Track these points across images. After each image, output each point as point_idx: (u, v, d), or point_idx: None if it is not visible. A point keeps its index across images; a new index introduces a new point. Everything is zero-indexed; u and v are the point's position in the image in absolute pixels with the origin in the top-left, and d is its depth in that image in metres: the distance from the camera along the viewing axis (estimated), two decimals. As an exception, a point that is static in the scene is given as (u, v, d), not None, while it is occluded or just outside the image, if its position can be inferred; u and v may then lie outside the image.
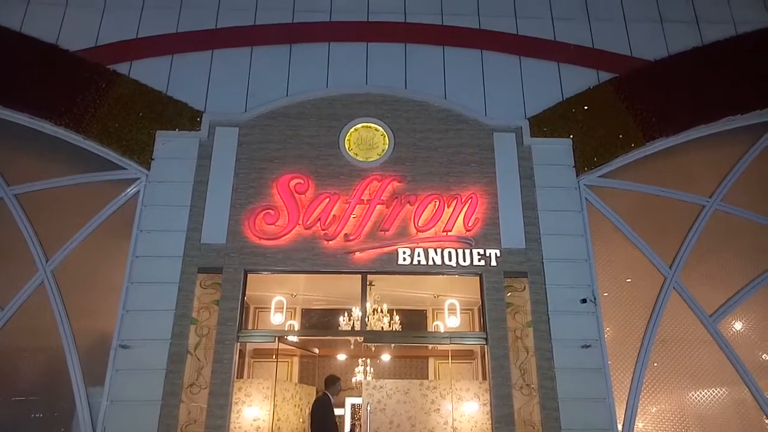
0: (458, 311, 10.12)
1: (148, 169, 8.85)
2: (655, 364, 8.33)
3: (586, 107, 9.43)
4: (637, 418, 8.00)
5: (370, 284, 9.13)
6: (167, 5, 10.15)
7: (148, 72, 9.50)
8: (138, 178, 8.89)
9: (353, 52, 9.87)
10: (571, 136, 9.25)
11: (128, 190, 8.87)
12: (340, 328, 10.50)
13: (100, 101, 9.11)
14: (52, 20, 9.82)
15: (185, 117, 9.14)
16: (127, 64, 9.57)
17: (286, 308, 10.41)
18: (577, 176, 9.04)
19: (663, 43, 10.14)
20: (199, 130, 9.07)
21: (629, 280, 8.88)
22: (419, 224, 8.60)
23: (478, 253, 8.50)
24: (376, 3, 10.26)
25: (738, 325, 8.74)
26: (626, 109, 9.37)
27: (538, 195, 8.86)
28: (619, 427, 7.85)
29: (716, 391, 8.29)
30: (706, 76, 9.67)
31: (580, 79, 9.77)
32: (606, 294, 8.57)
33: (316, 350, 11.74)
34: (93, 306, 8.42)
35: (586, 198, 8.99)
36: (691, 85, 9.58)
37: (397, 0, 10.31)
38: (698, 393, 8.29)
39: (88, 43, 9.69)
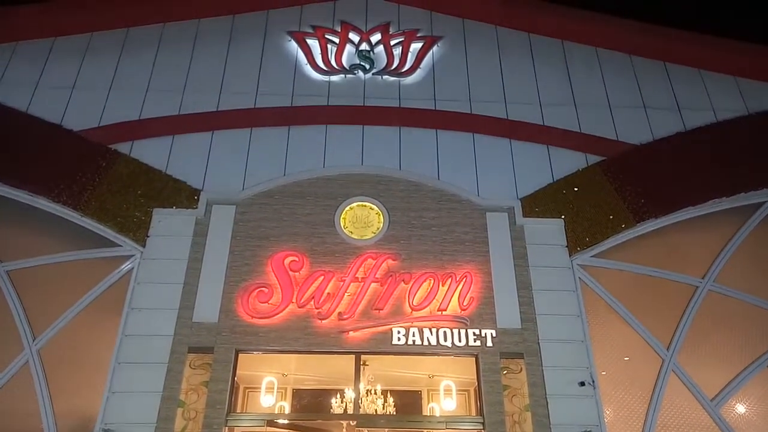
0: (454, 393, 9.82)
1: (143, 246, 8.87)
2: (659, 449, 8.07)
3: (576, 188, 9.67)
4: None
5: (364, 364, 8.93)
6: (170, 88, 10.55)
7: (148, 151, 9.72)
8: (132, 255, 8.88)
9: (349, 134, 10.20)
10: (563, 217, 9.42)
11: (122, 267, 8.84)
12: (332, 410, 10.13)
13: (99, 179, 9.27)
14: (58, 102, 10.14)
15: (183, 195, 9.28)
16: (129, 144, 9.81)
17: (277, 388, 10.08)
18: (570, 256, 9.12)
19: (647, 128, 10.57)
20: (196, 207, 9.18)
21: (627, 358, 8.76)
22: (414, 303, 8.56)
23: (474, 333, 8.41)
24: (371, 89, 10.74)
25: (741, 409, 8.55)
26: (615, 191, 9.61)
27: (532, 274, 8.90)
28: None
29: (723, 481, 7.98)
30: (690, 159, 10.00)
31: (570, 161, 10.08)
32: (604, 373, 8.43)
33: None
34: (78, 387, 8.16)
35: (579, 278, 9.03)
36: (677, 168, 9.90)
37: (392, 86, 10.80)
38: (705, 483, 7.98)
39: (92, 124, 9.96)
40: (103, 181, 9.27)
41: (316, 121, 10.31)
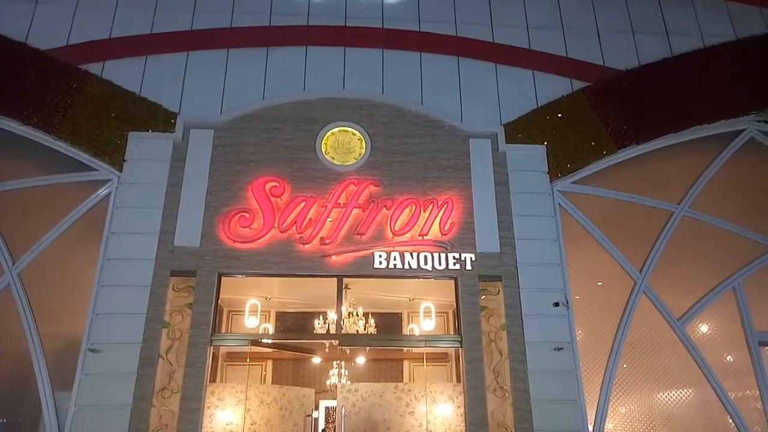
0: (433, 314, 10.16)
1: (120, 170, 8.71)
2: (625, 366, 8.50)
3: (559, 115, 9.61)
4: (607, 419, 8.15)
5: (346, 287, 9.13)
6: (141, 5, 9.99)
7: (121, 72, 9.34)
8: (109, 180, 8.74)
9: (330, 56, 9.88)
10: (545, 143, 9.41)
11: (99, 192, 8.72)
12: (315, 331, 10.46)
13: (71, 101, 8.93)
14: (22, 18, 9.58)
15: (159, 119, 9.03)
16: (100, 64, 9.40)
17: (261, 311, 10.33)
18: (550, 182, 9.19)
19: (634, 54, 10.39)
20: (173, 131, 8.96)
21: (600, 284, 9.08)
22: (395, 228, 8.64)
23: (454, 257, 8.57)
24: (353, 8, 10.29)
25: (704, 328, 8.98)
26: (598, 117, 9.57)
27: (512, 200, 8.98)
28: (590, 428, 7.99)
29: (683, 392, 8.50)
30: (675, 86, 9.93)
31: (554, 87, 9.94)
32: (578, 297, 8.71)
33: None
34: (61, 309, 8.24)
35: (559, 204, 9.15)
36: (661, 95, 9.83)
37: (374, 6, 10.36)
38: (666, 394, 8.49)
39: (59, 43, 9.47)
40: (74, 103, 8.94)
41: (296, 42, 9.93)
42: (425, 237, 8.66)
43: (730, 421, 8.38)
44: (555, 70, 10.15)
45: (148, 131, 8.94)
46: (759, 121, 10.13)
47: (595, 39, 10.58)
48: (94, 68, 9.32)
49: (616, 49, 10.46)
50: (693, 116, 9.78)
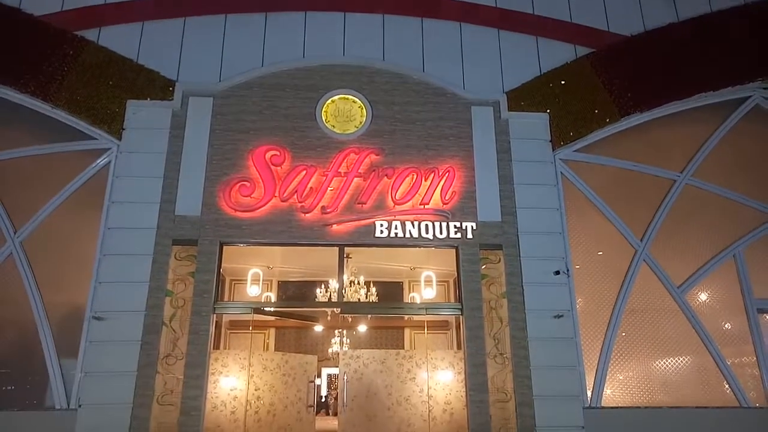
0: (434, 283, 10.24)
1: (119, 139, 8.65)
2: (623, 334, 8.59)
3: (563, 82, 9.47)
4: (605, 385, 8.27)
5: (348, 256, 9.17)
6: (137, -31, 9.77)
7: (117, 39, 9.19)
8: (109, 149, 8.70)
9: (330, 21, 9.70)
10: (548, 111, 9.30)
11: (99, 161, 8.68)
12: (317, 299, 10.55)
13: (67, 69, 8.80)
14: (15, -18, 9.39)
15: (157, 86, 8.91)
16: (96, 31, 9.24)
17: (263, 280, 10.40)
18: (553, 150, 9.12)
19: (640, 19, 10.17)
20: (172, 99, 8.86)
21: (601, 252, 9.08)
22: (396, 197, 8.62)
23: (455, 226, 8.57)
24: (353, -29, 10.05)
25: (703, 296, 9.04)
26: (602, 84, 9.43)
27: (514, 169, 8.93)
28: (589, 393, 8.12)
29: (681, 359, 8.61)
30: (680, 52, 9.75)
31: (558, 53, 9.78)
32: (578, 266, 8.75)
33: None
34: (65, 278, 8.30)
35: (561, 172, 9.11)
36: (666, 61, 9.67)
37: (375, -31, 10.11)
38: (664, 361, 8.60)
39: (54, 8, 9.29)
40: (71, 70, 8.80)
41: (295, 7, 9.73)
42: (426, 206, 8.64)
43: (727, 387, 8.50)
44: (559, 35, 9.97)
45: (146, 99, 8.84)
46: (765, 89, 10.00)
47: (599, 3, 10.35)
48: (90, 34, 9.17)
49: (621, 14, 10.25)
50: (698, 83, 9.64)
